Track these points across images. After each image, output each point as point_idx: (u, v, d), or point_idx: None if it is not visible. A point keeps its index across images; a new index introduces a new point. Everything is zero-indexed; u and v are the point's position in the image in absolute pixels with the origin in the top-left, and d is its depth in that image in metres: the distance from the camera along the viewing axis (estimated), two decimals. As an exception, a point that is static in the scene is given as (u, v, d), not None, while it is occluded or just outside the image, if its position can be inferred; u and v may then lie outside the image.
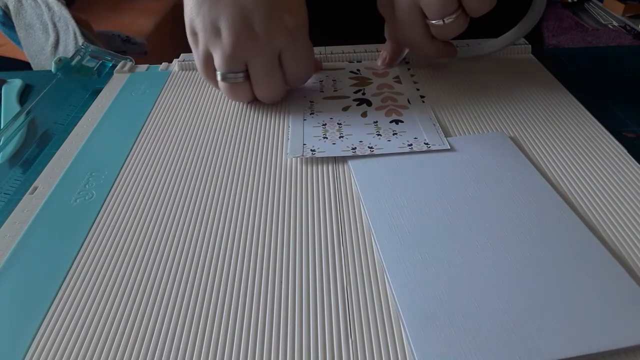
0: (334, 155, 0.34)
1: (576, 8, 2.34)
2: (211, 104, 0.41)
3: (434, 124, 0.37)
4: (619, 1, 2.17)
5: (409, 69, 0.45)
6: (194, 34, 0.36)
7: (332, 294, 0.25)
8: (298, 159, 0.34)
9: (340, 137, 0.36)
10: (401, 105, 0.40)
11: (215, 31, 0.34)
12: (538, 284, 0.24)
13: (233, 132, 0.38)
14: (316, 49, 0.47)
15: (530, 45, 0.47)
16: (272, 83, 0.38)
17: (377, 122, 0.38)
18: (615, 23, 2.17)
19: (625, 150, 0.34)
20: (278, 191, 0.31)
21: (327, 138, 0.36)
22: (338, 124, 0.38)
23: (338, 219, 0.29)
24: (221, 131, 0.38)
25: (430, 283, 0.25)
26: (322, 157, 0.34)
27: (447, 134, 0.36)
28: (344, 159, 0.34)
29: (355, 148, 0.35)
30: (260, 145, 0.36)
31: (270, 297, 0.25)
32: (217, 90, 0.43)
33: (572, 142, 0.35)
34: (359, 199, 0.30)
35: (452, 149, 0.34)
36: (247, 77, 0.37)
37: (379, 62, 0.45)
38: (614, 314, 0.23)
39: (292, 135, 0.37)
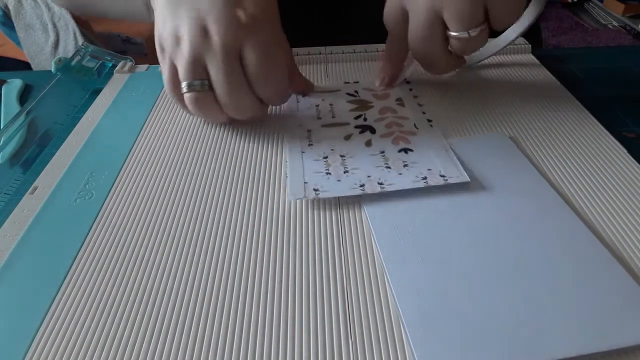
0: (340, 196, 0.30)
1: (576, 8, 2.34)
2: (211, 104, 0.41)
3: (447, 151, 0.33)
4: (619, 1, 2.17)
5: (410, 89, 0.42)
6: (162, 49, 0.34)
7: (332, 294, 0.25)
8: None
9: (345, 172, 0.32)
10: (408, 132, 0.36)
11: (176, 41, 0.33)
12: (538, 284, 0.24)
13: (233, 132, 0.38)
14: (316, 49, 0.48)
15: (530, 45, 0.47)
16: (235, 90, 0.33)
17: (384, 152, 0.34)
18: (615, 23, 2.17)
19: (625, 150, 0.34)
20: (278, 190, 0.31)
21: (330, 174, 0.32)
22: (341, 156, 0.34)
23: (338, 219, 0.29)
24: (221, 131, 0.38)
25: (430, 283, 0.25)
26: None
27: (446, 135, 0.36)
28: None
29: (363, 185, 0.31)
30: (261, 145, 0.36)
31: (271, 297, 0.25)
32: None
33: (572, 142, 0.35)
34: (359, 200, 0.30)
35: (471, 180, 0.31)
36: (211, 87, 0.33)
37: (378, 84, 0.42)
38: (614, 314, 0.23)
39: (291, 172, 0.33)
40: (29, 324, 0.24)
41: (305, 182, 0.31)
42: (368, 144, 0.35)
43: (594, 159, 0.33)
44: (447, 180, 0.31)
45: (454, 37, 0.35)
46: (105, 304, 0.24)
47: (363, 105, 0.40)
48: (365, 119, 0.38)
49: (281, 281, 0.25)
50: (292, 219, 0.29)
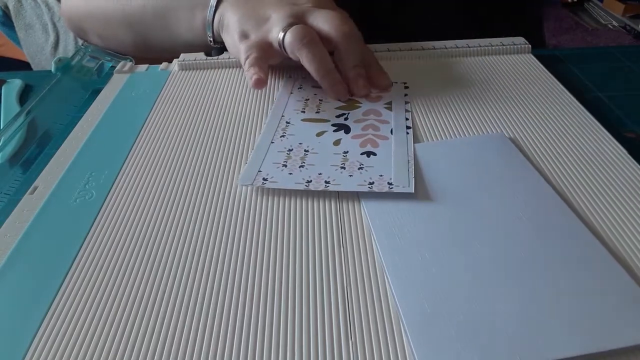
0: (284, 188, 0.31)
1: (576, 8, 2.33)
2: (211, 103, 0.41)
3: (408, 161, 0.33)
4: (619, 1, 2.17)
5: (406, 94, 0.41)
6: (244, 37, 0.41)
7: (332, 294, 0.25)
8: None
9: (300, 167, 0.33)
10: (381, 136, 0.36)
11: (264, 20, 0.40)
12: (538, 284, 0.24)
13: (233, 132, 0.38)
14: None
15: (530, 45, 0.47)
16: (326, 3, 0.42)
17: (347, 152, 0.34)
18: (615, 23, 2.17)
19: (625, 150, 0.34)
20: (279, 190, 0.31)
21: (285, 166, 0.33)
22: (305, 151, 0.34)
23: (338, 219, 0.29)
24: (221, 131, 0.38)
25: (430, 283, 0.25)
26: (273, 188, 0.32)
27: (446, 135, 0.36)
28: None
29: (310, 181, 0.31)
30: (260, 145, 0.36)
31: (271, 297, 0.25)
32: (217, 91, 0.43)
33: (572, 142, 0.35)
34: (359, 200, 0.30)
35: (418, 186, 0.31)
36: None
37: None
38: (614, 314, 0.23)
39: (252, 160, 0.34)
40: (29, 324, 0.24)
41: (259, 171, 0.33)
42: (336, 143, 0.36)
43: (594, 159, 0.33)
44: (391, 188, 0.31)
45: None
46: (105, 303, 0.25)
47: (351, 104, 0.40)
48: (346, 118, 0.38)
49: (281, 281, 0.25)
50: (292, 218, 0.29)
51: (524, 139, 0.35)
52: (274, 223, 0.29)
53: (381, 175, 0.32)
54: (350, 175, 0.32)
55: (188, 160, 0.35)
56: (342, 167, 0.33)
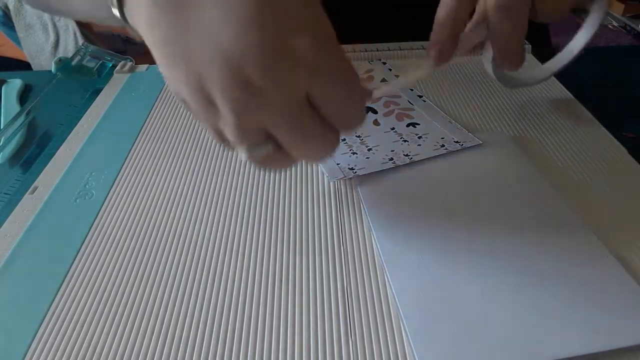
0: (375, 170, 0.31)
1: (576, 8, 2.33)
2: (211, 104, 0.41)
3: (451, 122, 0.35)
4: (619, 1, 2.17)
5: (390, 70, 0.44)
6: (186, 103, 0.24)
7: (332, 294, 0.25)
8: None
9: (369, 150, 0.33)
10: (407, 108, 0.38)
11: (207, 103, 0.23)
12: (538, 284, 0.24)
13: (233, 132, 0.38)
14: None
15: (530, 45, 0.47)
16: (312, 140, 0.25)
17: (394, 128, 0.35)
18: (615, 23, 2.17)
19: (625, 150, 0.34)
20: (279, 190, 0.31)
21: (356, 154, 0.33)
22: (357, 137, 0.35)
23: (338, 219, 0.29)
24: (221, 131, 0.38)
25: (431, 283, 0.25)
26: (363, 173, 0.31)
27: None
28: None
29: (392, 159, 0.32)
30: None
31: (271, 296, 0.25)
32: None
33: (572, 142, 0.35)
34: (359, 199, 0.30)
35: (482, 144, 0.33)
36: (278, 143, 0.25)
37: (433, 56, 0.30)
38: (614, 314, 0.23)
39: None
40: (29, 324, 0.24)
41: (337, 164, 0.32)
42: (376, 123, 0.36)
43: (594, 159, 0.33)
44: (462, 145, 0.33)
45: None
46: (105, 303, 0.24)
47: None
48: None
49: (281, 280, 0.25)
50: (292, 218, 0.29)
51: (524, 138, 0.35)
52: (274, 222, 0.29)
53: (443, 138, 0.34)
54: (419, 145, 0.33)
55: (188, 160, 0.35)
56: (404, 141, 0.34)
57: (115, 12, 0.26)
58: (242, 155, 0.25)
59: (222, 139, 0.25)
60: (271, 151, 0.25)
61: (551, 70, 0.37)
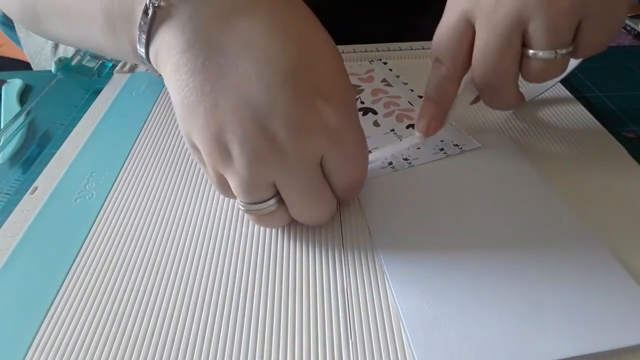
0: (374, 177, 0.31)
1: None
2: (211, 104, 0.41)
3: (450, 123, 0.34)
4: (619, 1, 2.16)
5: (390, 70, 0.44)
6: (196, 149, 0.25)
7: (332, 294, 0.25)
8: None
9: (369, 152, 0.31)
10: (407, 109, 0.38)
11: (222, 150, 0.23)
12: (538, 285, 0.24)
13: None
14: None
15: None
16: (318, 203, 0.26)
17: (393, 130, 0.35)
18: (615, 23, 2.17)
19: (625, 150, 0.34)
20: (278, 191, 0.31)
21: None
22: None
23: (338, 219, 0.29)
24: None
25: (431, 284, 0.25)
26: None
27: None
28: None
29: (390, 163, 0.32)
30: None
31: (271, 297, 0.25)
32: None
33: (572, 142, 0.35)
34: (358, 201, 0.30)
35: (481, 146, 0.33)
36: (280, 200, 0.25)
37: (418, 133, 0.32)
38: (614, 314, 0.23)
39: None
40: (29, 324, 0.24)
41: None
42: (375, 124, 0.36)
43: (594, 159, 0.33)
44: (462, 148, 0.33)
45: (536, 57, 0.27)
46: (106, 304, 0.24)
47: (354, 88, 0.41)
48: (362, 102, 0.39)
49: (281, 281, 0.25)
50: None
51: (524, 138, 0.35)
52: (274, 223, 0.29)
53: (442, 141, 0.33)
54: (418, 149, 0.33)
55: (188, 161, 0.35)
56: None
57: (141, 50, 0.25)
58: (241, 208, 0.26)
59: (224, 189, 0.26)
60: (273, 209, 0.25)
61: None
